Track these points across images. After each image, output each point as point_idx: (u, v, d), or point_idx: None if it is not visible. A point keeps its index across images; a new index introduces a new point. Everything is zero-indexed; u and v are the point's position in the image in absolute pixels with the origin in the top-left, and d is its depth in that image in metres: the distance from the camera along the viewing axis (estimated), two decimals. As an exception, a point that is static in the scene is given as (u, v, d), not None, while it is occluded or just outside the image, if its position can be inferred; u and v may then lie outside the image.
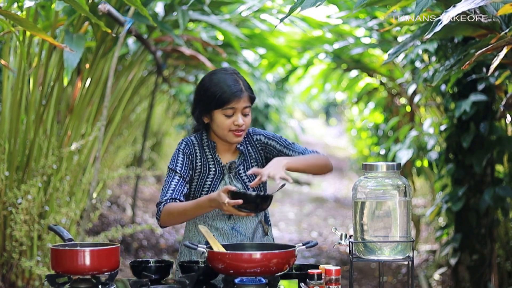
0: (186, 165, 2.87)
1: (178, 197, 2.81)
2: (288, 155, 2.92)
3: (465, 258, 5.21)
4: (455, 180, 5.27)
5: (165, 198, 2.81)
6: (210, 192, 2.88)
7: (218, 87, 2.81)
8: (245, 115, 2.84)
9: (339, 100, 16.35)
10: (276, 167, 2.73)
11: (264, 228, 2.98)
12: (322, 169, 2.93)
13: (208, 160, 2.91)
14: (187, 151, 2.90)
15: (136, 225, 5.60)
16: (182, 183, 2.85)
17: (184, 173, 2.86)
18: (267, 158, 2.96)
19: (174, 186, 2.83)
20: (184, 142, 2.92)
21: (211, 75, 2.86)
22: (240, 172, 2.91)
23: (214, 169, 2.90)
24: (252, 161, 2.94)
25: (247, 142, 2.95)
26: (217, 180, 2.89)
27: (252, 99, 2.86)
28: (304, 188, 13.55)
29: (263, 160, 2.96)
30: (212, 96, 2.80)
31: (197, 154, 2.91)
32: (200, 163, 2.90)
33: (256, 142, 2.96)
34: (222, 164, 2.91)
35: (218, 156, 2.91)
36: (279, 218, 9.68)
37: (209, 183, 2.89)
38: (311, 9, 2.95)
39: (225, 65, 7.68)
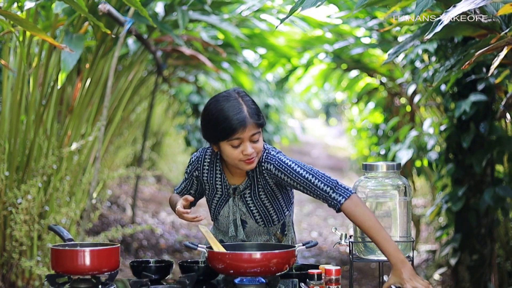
0: (189, 180, 2.93)
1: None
2: (303, 192, 2.64)
3: (465, 258, 5.21)
4: (455, 180, 5.26)
5: (176, 191, 3.03)
6: (216, 211, 2.86)
7: (221, 118, 2.60)
8: (254, 141, 2.63)
9: (339, 100, 16.35)
10: (411, 277, 2.44)
11: (278, 238, 2.90)
12: None
13: (216, 179, 2.83)
14: (193, 168, 2.88)
15: (136, 225, 5.61)
16: (186, 191, 2.97)
17: (187, 185, 2.96)
18: (278, 185, 2.77)
19: (182, 188, 2.99)
20: (195, 156, 2.88)
21: (215, 103, 2.66)
22: (245, 195, 2.79)
23: (221, 189, 2.82)
24: (259, 187, 2.77)
25: (256, 168, 2.74)
26: (222, 201, 2.83)
27: (259, 124, 2.64)
28: (304, 188, 13.50)
29: (271, 188, 2.76)
30: (215, 128, 2.62)
31: (205, 171, 2.84)
32: (207, 180, 2.85)
33: (264, 171, 2.72)
34: (228, 186, 2.81)
35: (225, 177, 2.81)
36: (279, 218, 9.64)
37: (216, 203, 2.85)
38: (311, 9, 2.95)
39: (225, 65, 7.69)
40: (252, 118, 2.62)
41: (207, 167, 2.84)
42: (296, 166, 2.65)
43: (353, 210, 2.53)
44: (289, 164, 2.67)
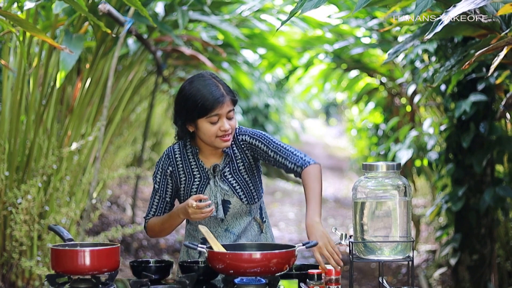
0: (163, 183, 2.91)
1: (161, 215, 2.93)
2: (275, 159, 2.84)
3: (465, 258, 5.21)
4: (455, 180, 5.27)
5: (149, 216, 2.95)
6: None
7: (199, 95, 2.74)
8: (230, 118, 2.78)
9: (339, 100, 16.35)
10: (322, 239, 2.63)
11: (259, 224, 2.96)
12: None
13: (192, 166, 2.88)
14: (165, 165, 2.90)
15: (136, 225, 5.61)
16: (162, 202, 2.93)
17: (162, 192, 2.92)
18: (254, 157, 2.90)
19: (156, 204, 2.94)
20: (164, 154, 2.93)
21: (190, 83, 2.79)
22: (225, 174, 2.86)
23: (198, 175, 2.87)
24: (238, 161, 2.88)
25: (232, 142, 2.88)
26: (203, 185, 2.87)
27: (234, 101, 2.80)
28: (304, 188, 13.53)
29: (249, 160, 2.89)
30: (194, 106, 2.74)
31: (179, 164, 2.89)
32: (183, 172, 2.89)
33: (241, 143, 2.88)
34: (206, 169, 2.87)
35: (201, 161, 2.87)
36: (279, 218, 9.68)
37: (195, 189, 2.87)
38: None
39: (225, 65, 7.69)
40: (228, 95, 2.78)
41: (179, 158, 2.90)
42: (268, 135, 2.91)
43: (313, 172, 2.80)
44: (262, 133, 2.90)
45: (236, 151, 2.88)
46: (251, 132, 2.89)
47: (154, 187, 2.93)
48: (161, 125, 10.69)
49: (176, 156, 2.90)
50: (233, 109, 2.80)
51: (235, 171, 2.87)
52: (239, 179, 2.87)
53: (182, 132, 2.86)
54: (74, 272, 2.56)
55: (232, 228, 2.90)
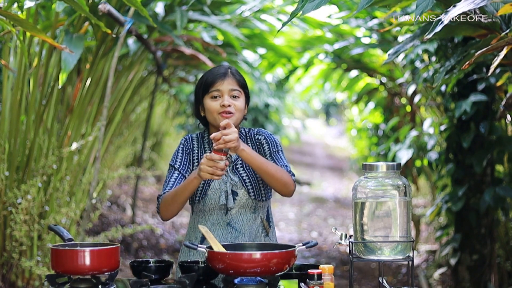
0: (185, 161, 2.95)
1: None
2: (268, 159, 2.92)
3: (465, 258, 5.21)
4: (455, 180, 5.27)
5: (164, 191, 2.88)
6: (206, 187, 2.89)
7: (205, 75, 2.92)
8: (233, 97, 2.87)
9: (339, 100, 16.35)
10: (234, 137, 2.66)
11: (265, 227, 2.97)
12: (280, 185, 2.82)
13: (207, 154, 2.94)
14: (185, 147, 2.97)
15: (136, 225, 5.61)
16: (181, 178, 2.91)
17: (182, 169, 2.93)
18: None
19: (174, 180, 2.90)
20: (184, 139, 3.02)
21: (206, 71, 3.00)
22: (237, 166, 2.91)
23: None
24: None
25: (248, 139, 2.98)
26: None
27: (240, 83, 2.90)
28: (304, 188, 13.55)
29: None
30: (200, 84, 2.91)
31: (195, 150, 2.97)
32: (197, 158, 2.95)
33: (256, 141, 2.98)
34: None
35: None
36: (279, 218, 9.69)
37: None
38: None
39: (225, 65, 7.69)
40: (233, 76, 2.90)
41: (196, 145, 2.98)
42: (279, 143, 2.99)
43: (287, 174, 2.86)
44: (275, 138, 3.00)
45: (251, 147, 2.96)
46: (267, 135, 2.98)
47: (173, 167, 2.92)
48: (161, 125, 10.69)
49: (194, 142, 2.99)
50: (239, 90, 2.89)
51: (247, 165, 2.92)
52: (250, 173, 2.91)
53: (198, 120, 2.98)
54: (74, 272, 2.56)
55: (235, 223, 2.90)
